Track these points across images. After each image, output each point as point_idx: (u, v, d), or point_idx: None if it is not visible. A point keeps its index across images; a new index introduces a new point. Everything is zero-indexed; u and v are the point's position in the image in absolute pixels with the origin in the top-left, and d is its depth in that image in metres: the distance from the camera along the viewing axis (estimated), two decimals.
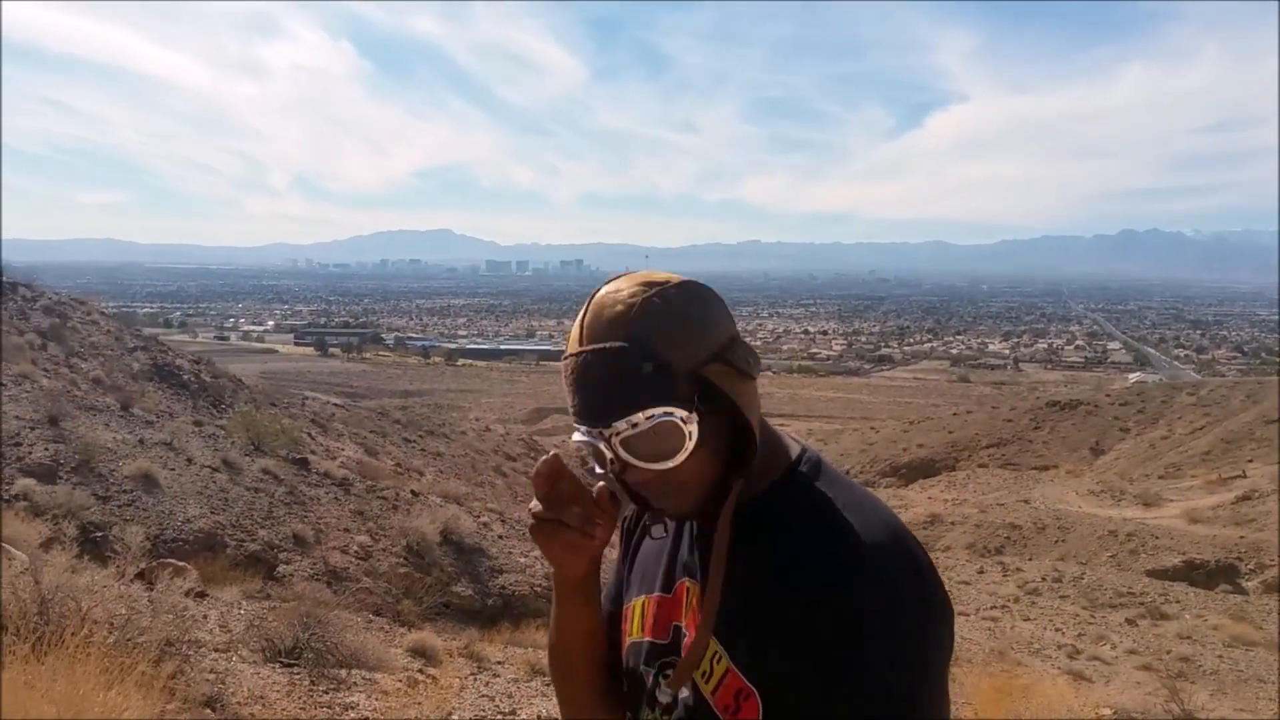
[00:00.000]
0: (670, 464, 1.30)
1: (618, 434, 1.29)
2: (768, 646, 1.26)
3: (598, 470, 1.37)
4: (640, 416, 1.28)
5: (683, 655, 1.37)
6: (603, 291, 1.35)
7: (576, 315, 1.36)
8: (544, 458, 1.39)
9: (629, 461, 1.31)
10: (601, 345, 1.30)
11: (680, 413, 1.28)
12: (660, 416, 1.28)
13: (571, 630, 1.53)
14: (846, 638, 1.20)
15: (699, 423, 1.29)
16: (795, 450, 1.42)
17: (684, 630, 1.42)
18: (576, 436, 1.34)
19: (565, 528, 1.37)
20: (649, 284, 1.34)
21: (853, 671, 1.19)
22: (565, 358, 1.35)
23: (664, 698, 1.40)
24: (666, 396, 1.28)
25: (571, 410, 1.33)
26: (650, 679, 1.44)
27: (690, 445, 1.29)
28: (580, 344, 1.32)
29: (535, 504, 1.39)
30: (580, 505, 1.38)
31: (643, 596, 1.52)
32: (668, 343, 1.29)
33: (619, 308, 1.31)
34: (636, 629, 1.51)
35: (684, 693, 1.36)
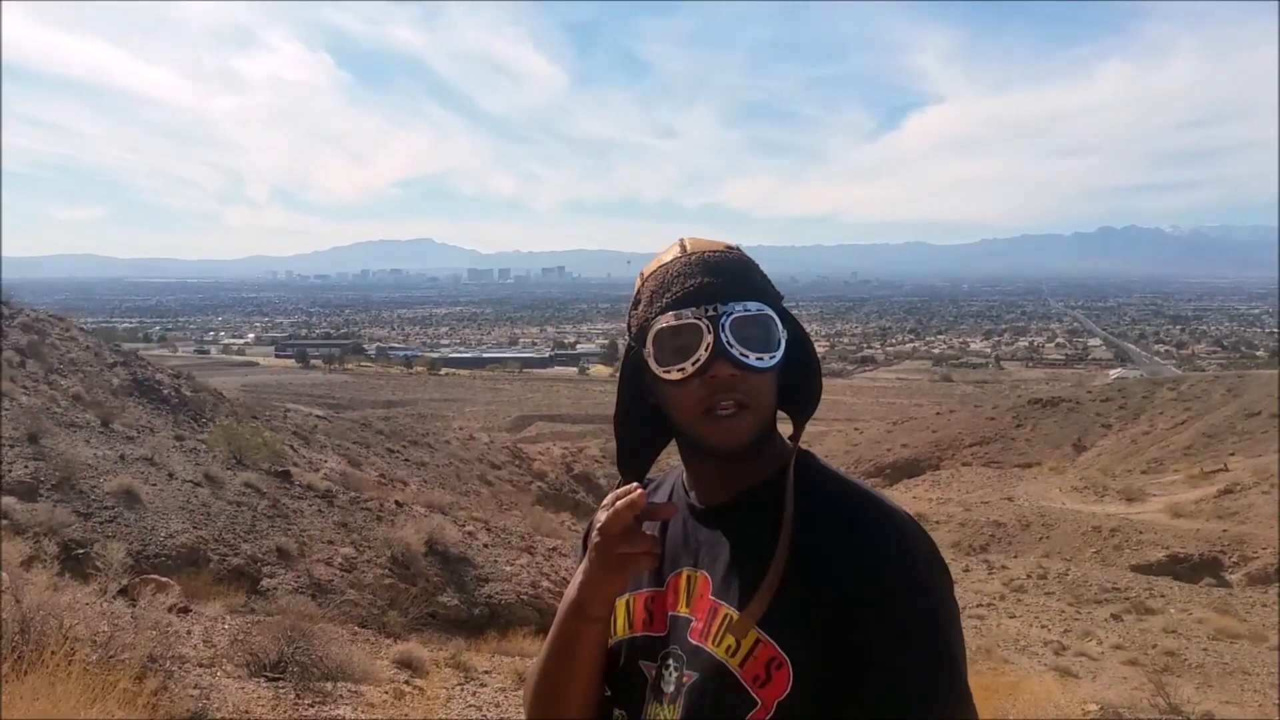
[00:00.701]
0: (760, 357, 1.38)
1: (731, 314, 1.37)
2: (811, 612, 1.30)
3: (665, 372, 1.40)
4: (754, 304, 1.39)
5: (715, 624, 1.38)
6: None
7: (675, 245, 1.50)
8: (633, 492, 1.39)
9: (727, 343, 1.36)
10: (720, 249, 1.46)
11: (777, 319, 1.41)
12: (768, 311, 1.40)
13: (583, 651, 1.49)
14: (913, 597, 1.29)
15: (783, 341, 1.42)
16: (786, 439, 1.49)
17: (688, 617, 1.43)
18: (674, 321, 1.39)
19: (640, 558, 1.40)
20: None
21: (921, 627, 1.28)
22: (678, 258, 1.45)
23: (668, 686, 1.41)
24: (768, 302, 1.42)
25: (679, 294, 1.40)
26: (653, 671, 1.45)
27: (779, 352, 1.40)
28: (690, 250, 1.46)
29: (615, 526, 1.38)
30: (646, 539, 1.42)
31: (627, 595, 1.53)
32: (762, 276, 1.46)
33: (729, 246, 1.48)
34: (623, 627, 1.52)
35: (692, 676, 1.38)
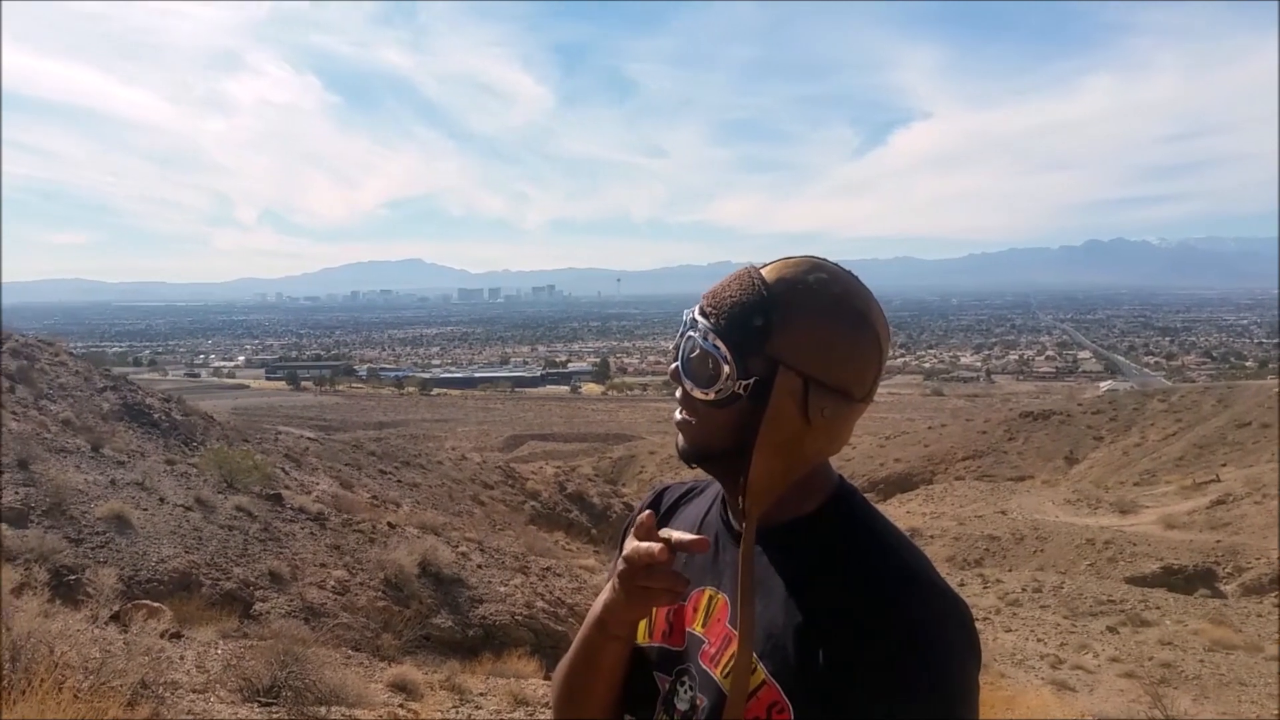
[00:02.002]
0: (688, 385, 1.39)
1: (697, 328, 1.38)
2: (817, 658, 1.27)
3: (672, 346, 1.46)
4: (715, 337, 1.36)
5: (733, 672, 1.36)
6: (842, 258, 1.44)
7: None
8: (647, 520, 1.40)
9: (678, 353, 1.42)
10: (765, 279, 1.38)
11: (731, 368, 1.35)
12: (717, 352, 1.35)
13: (603, 663, 1.49)
14: (922, 670, 1.24)
15: (737, 400, 1.35)
16: (836, 477, 1.46)
17: (701, 638, 1.42)
18: (684, 313, 1.43)
19: (660, 594, 1.38)
20: (857, 293, 1.39)
21: (926, 702, 1.24)
22: (749, 265, 1.43)
23: (682, 704, 1.41)
24: (740, 350, 1.35)
25: (709, 290, 1.43)
26: (667, 685, 1.45)
27: (710, 394, 1.37)
28: (770, 263, 1.42)
29: (640, 559, 1.36)
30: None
31: None
32: (791, 324, 1.35)
33: (809, 275, 1.38)
34: (643, 633, 1.51)
35: (704, 700, 1.37)
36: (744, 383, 1.34)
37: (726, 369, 1.34)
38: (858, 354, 1.36)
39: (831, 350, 1.34)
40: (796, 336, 1.33)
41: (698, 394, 1.37)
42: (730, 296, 1.37)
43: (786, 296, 1.34)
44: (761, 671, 1.30)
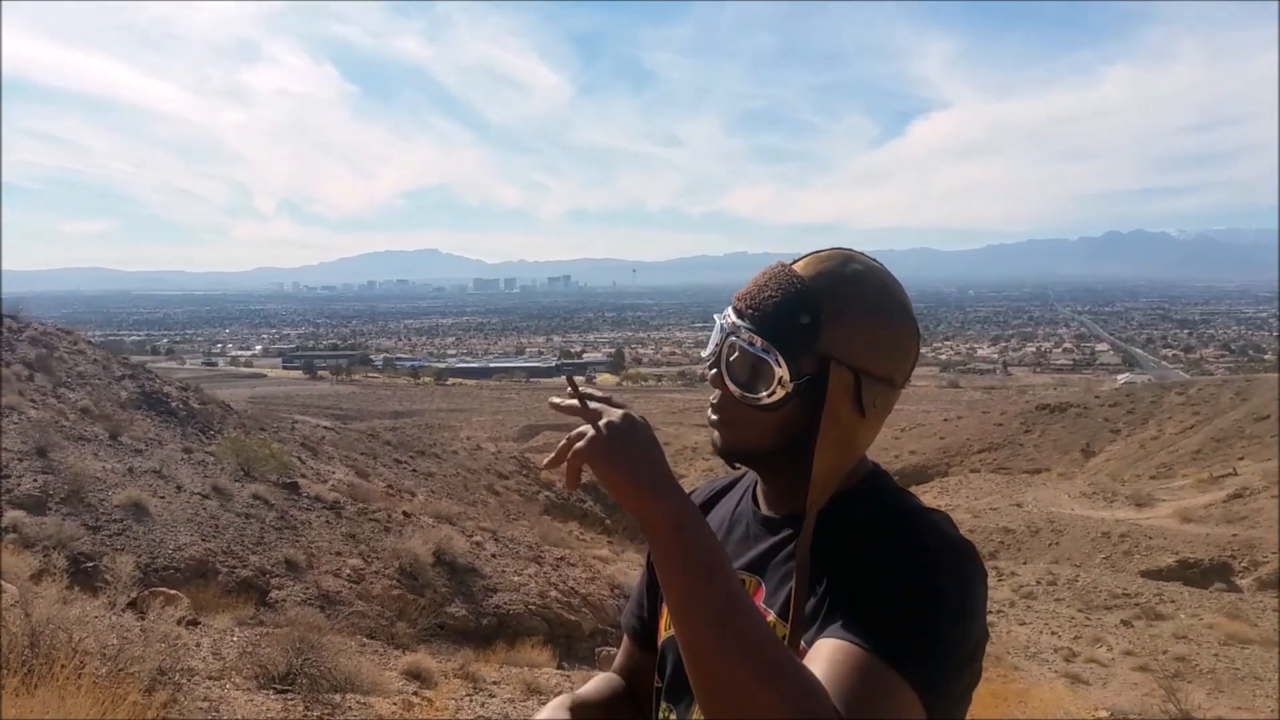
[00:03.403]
0: (736, 391, 1.38)
1: (737, 333, 1.37)
2: (842, 601, 1.29)
3: (703, 354, 1.46)
4: (759, 339, 1.35)
5: None
6: (859, 248, 1.43)
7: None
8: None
9: (720, 362, 1.40)
10: (802, 275, 1.37)
11: (783, 371, 1.34)
12: (768, 357, 1.34)
13: None
14: (917, 572, 1.25)
15: (789, 400, 1.35)
16: (869, 461, 1.50)
17: None
18: (716, 316, 1.44)
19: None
20: (895, 285, 1.42)
21: (918, 577, 1.24)
22: (778, 262, 1.43)
23: None
24: (788, 350, 1.34)
25: (735, 296, 1.43)
26: None
27: (762, 398, 1.36)
28: (795, 261, 1.41)
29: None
30: None
31: None
32: (840, 319, 1.35)
33: (846, 268, 1.39)
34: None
35: None
36: (797, 383, 1.35)
37: (780, 372, 1.34)
38: (902, 344, 1.40)
39: (880, 343, 1.37)
40: (846, 332, 1.35)
41: (748, 397, 1.37)
42: (771, 297, 1.37)
43: (831, 292, 1.36)
44: (801, 644, 1.31)
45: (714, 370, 1.41)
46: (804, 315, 1.34)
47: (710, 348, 1.43)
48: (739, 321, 1.38)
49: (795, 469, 1.38)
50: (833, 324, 1.34)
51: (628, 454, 1.22)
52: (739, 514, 1.54)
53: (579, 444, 1.24)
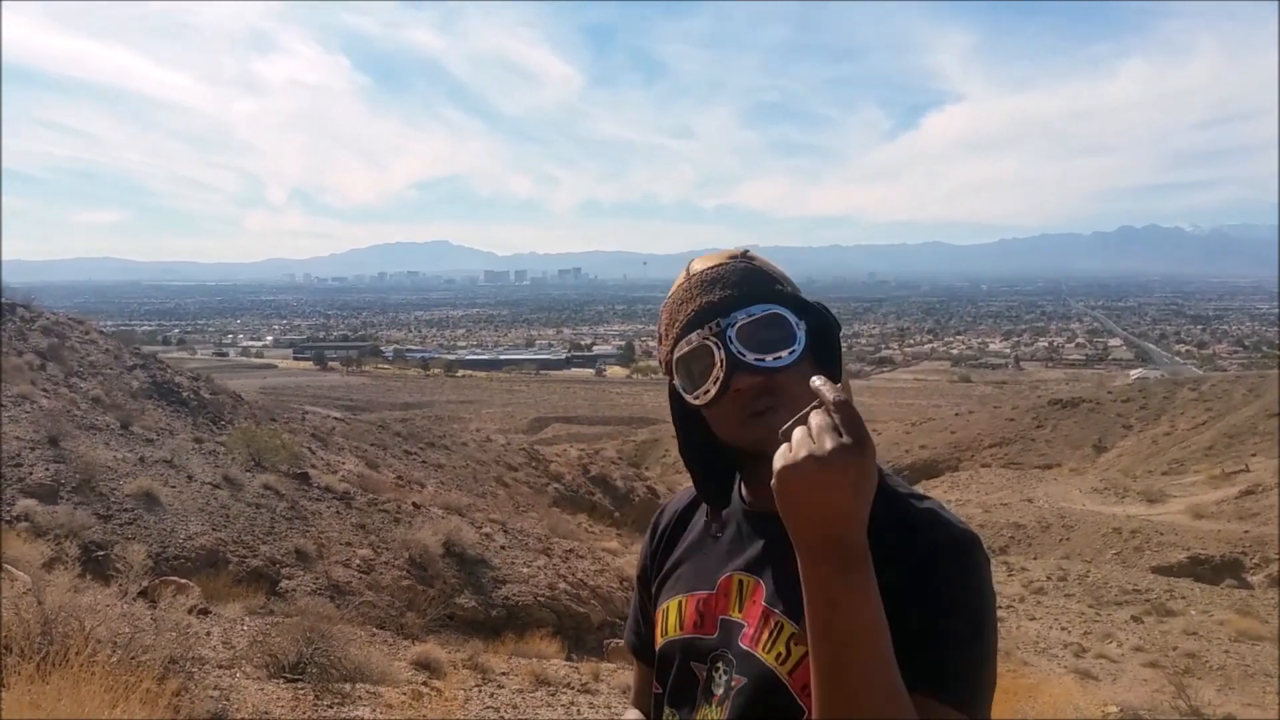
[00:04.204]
0: (778, 356, 1.37)
1: (734, 324, 1.38)
2: None
3: (692, 398, 1.43)
4: (757, 307, 1.39)
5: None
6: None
7: (682, 272, 1.49)
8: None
9: (738, 354, 1.37)
10: (719, 262, 1.45)
11: (791, 315, 1.39)
12: (775, 309, 1.40)
13: None
14: (936, 559, 1.30)
15: (804, 342, 1.40)
16: None
17: (740, 622, 1.43)
18: (686, 349, 1.41)
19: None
20: None
21: (948, 582, 1.29)
22: (681, 283, 1.46)
23: (718, 690, 1.42)
24: (778, 300, 1.41)
25: (684, 321, 1.42)
26: (703, 674, 1.46)
27: (798, 345, 1.38)
28: (695, 270, 1.46)
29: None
30: None
31: (679, 596, 1.54)
32: (783, 279, 1.46)
33: (734, 254, 1.47)
34: (674, 627, 1.53)
35: (741, 680, 1.39)
36: (802, 323, 1.41)
37: (790, 318, 1.39)
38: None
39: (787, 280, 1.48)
40: (784, 280, 1.47)
41: (784, 355, 1.37)
42: (726, 279, 1.43)
43: (746, 259, 1.46)
44: (806, 639, 1.30)
45: (737, 371, 1.37)
46: (758, 274, 1.43)
47: (708, 373, 1.38)
48: (724, 317, 1.39)
49: None
50: (777, 275, 1.45)
51: (810, 506, 1.17)
52: (727, 515, 1.54)
53: (777, 465, 1.18)
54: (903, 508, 1.36)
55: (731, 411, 1.39)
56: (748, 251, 1.48)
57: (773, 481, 1.18)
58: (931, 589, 1.27)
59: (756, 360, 1.36)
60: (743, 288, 1.40)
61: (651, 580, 1.66)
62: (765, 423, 1.35)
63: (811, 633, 1.20)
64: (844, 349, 1.46)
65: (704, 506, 1.59)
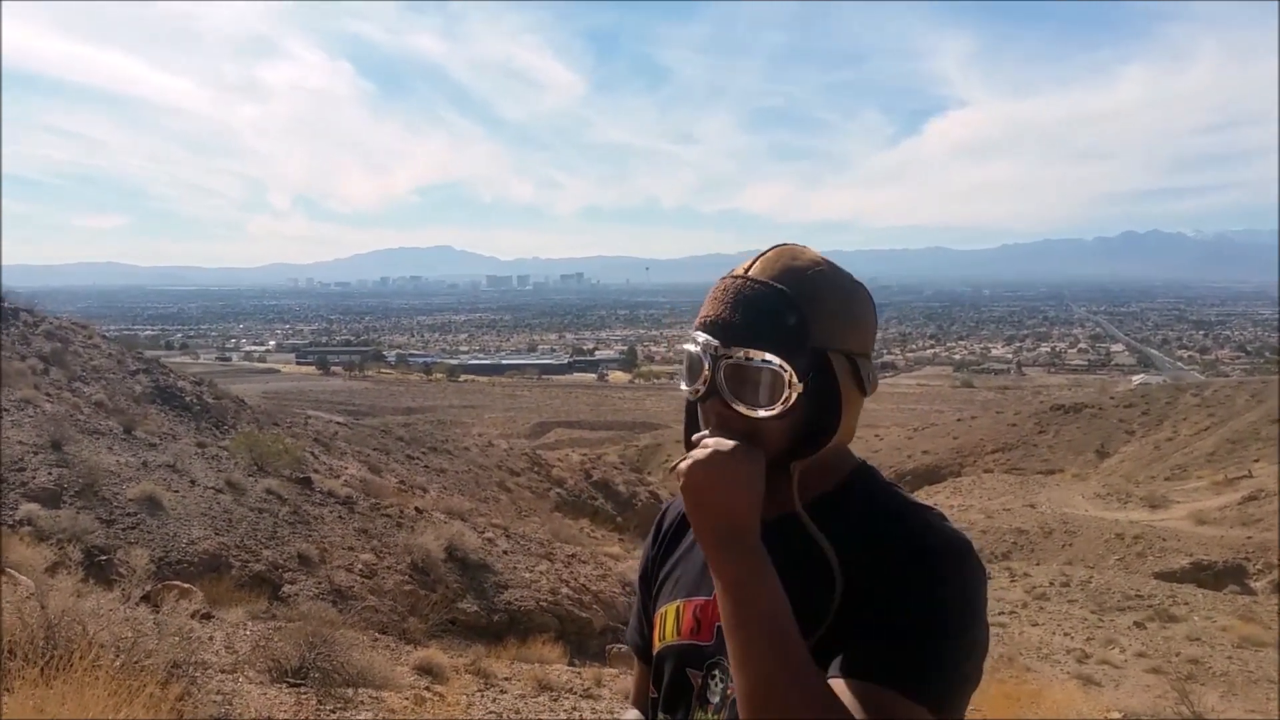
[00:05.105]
0: (748, 411, 1.36)
1: (729, 358, 1.35)
2: (849, 625, 1.30)
3: (683, 386, 1.43)
4: (756, 354, 1.34)
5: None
6: (792, 242, 1.46)
7: (739, 265, 1.44)
8: None
9: (719, 388, 1.37)
10: (767, 280, 1.38)
11: (790, 374, 1.34)
12: (774, 365, 1.33)
13: None
14: (924, 582, 1.28)
15: (798, 398, 1.35)
16: (856, 458, 1.50)
17: None
18: (689, 346, 1.41)
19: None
20: (831, 261, 1.45)
21: (922, 594, 1.28)
22: (728, 276, 1.42)
23: (714, 697, 1.43)
24: (789, 353, 1.34)
25: (701, 320, 1.40)
26: (699, 680, 1.47)
27: (777, 408, 1.35)
28: (747, 271, 1.41)
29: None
30: None
31: (677, 601, 1.54)
32: (821, 311, 1.37)
33: (801, 261, 1.41)
34: (670, 632, 1.54)
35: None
36: (803, 382, 1.35)
37: (788, 375, 1.33)
38: (868, 314, 1.45)
39: (857, 321, 1.41)
40: (828, 321, 1.37)
41: (760, 413, 1.34)
42: (749, 306, 1.37)
43: (801, 287, 1.37)
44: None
45: (713, 396, 1.37)
46: (789, 316, 1.35)
47: (698, 376, 1.38)
48: (723, 343, 1.36)
49: (785, 470, 1.40)
50: (815, 318, 1.36)
51: (712, 495, 1.29)
52: None
53: (684, 464, 1.32)
54: (900, 511, 1.37)
55: (710, 417, 1.41)
56: (847, 273, 1.44)
57: (680, 480, 1.30)
58: (915, 590, 1.27)
59: (730, 401, 1.36)
60: (755, 325, 1.35)
61: (653, 581, 1.67)
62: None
63: (725, 627, 1.27)
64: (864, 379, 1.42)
65: None
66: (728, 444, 1.30)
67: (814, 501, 1.41)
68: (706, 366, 1.37)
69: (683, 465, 1.30)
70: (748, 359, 1.34)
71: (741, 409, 1.35)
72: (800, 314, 1.35)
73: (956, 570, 1.30)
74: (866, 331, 1.42)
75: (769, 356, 1.33)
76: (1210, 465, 41.19)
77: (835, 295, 1.40)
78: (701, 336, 1.39)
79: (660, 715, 1.53)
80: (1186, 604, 20.07)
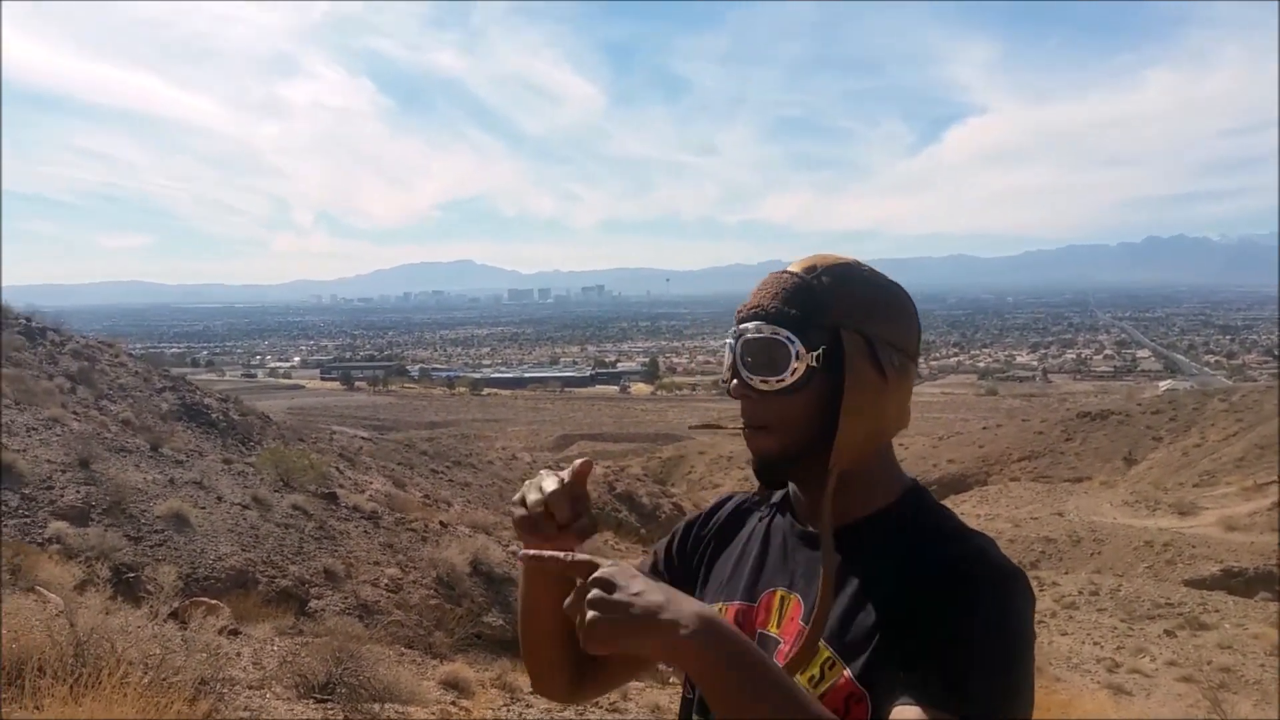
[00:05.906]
0: (772, 381, 1.37)
1: (745, 334, 1.39)
2: (893, 651, 1.28)
3: (724, 388, 1.46)
4: (767, 328, 1.38)
5: (792, 655, 1.36)
6: (896, 255, 1.46)
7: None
8: (583, 460, 1.50)
9: (736, 365, 1.40)
10: (798, 270, 1.43)
11: (798, 345, 1.36)
12: (781, 336, 1.37)
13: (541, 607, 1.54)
14: (973, 606, 1.25)
15: (813, 376, 1.37)
16: (909, 478, 1.48)
17: (776, 638, 1.42)
18: (729, 338, 1.45)
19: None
20: (874, 267, 1.47)
21: (977, 635, 1.24)
22: (769, 276, 1.46)
23: None
24: (799, 328, 1.37)
25: (737, 314, 1.46)
26: None
27: (787, 379, 1.37)
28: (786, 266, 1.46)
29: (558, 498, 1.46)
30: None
31: (719, 604, 1.52)
32: (843, 293, 1.40)
33: (835, 256, 1.46)
34: None
35: None
36: (814, 354, 1.37)
37: (795, 347, 1.36)
38: (903, 310, 1.45)
39: (882, 308, 1.42)
40: (849, 302, 1.39)
41: (771, 382, 1.37)
42: (770, 290, 1.42)
43: (828, 273, 1.41)
44: (840, 665, 1.31)
45: (734, 379, 1.42)
46: (805, 293, 1.39)
47: (727, 360, 1.43)
48: (746, 324, 1.41)
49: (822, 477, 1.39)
50: (836, 300, 1.39)
51: (634, 619, 1.18)
52: (775, 527, 1.54)
53: (592, 614, 1.19)
54: (950, 535, 1.36)
55: (743, 410, 1.43)
56: (844, 265, 1.44)
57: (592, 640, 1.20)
58: (966, 618, 1.25)
59: (747, 377, 1.39)
60: (772, 303, 1.40)
61: (693, 548, 1.65)
62: (757, 440, 1.43)
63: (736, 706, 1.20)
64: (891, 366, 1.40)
65: (759, 512, 1.60)
66: (588, 615, 1.19)
67: (864, 520, 1.41)
68: (731, 349, 1.42)
69: (586, 622, 1.20)
70: (759, 332, 1.38)
71: (756, 382, 1.38)
72: (816, 292, 1.39)
73: (1012, 600, 1.28)
74: (895, 322, 1.42)
75: (779, 330, 1.37)
76: (1239, 471, 40.79)
77: (863, 284, 1.42)
78: (734, 327, 1.43)
79: (695, 718, 1.51)
80: (1217, 611, 19.85)
